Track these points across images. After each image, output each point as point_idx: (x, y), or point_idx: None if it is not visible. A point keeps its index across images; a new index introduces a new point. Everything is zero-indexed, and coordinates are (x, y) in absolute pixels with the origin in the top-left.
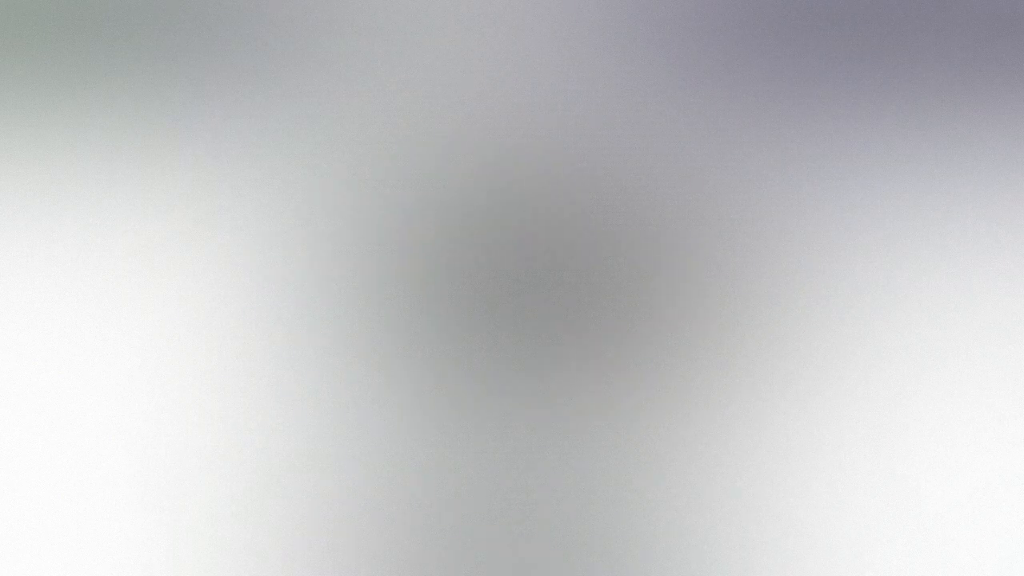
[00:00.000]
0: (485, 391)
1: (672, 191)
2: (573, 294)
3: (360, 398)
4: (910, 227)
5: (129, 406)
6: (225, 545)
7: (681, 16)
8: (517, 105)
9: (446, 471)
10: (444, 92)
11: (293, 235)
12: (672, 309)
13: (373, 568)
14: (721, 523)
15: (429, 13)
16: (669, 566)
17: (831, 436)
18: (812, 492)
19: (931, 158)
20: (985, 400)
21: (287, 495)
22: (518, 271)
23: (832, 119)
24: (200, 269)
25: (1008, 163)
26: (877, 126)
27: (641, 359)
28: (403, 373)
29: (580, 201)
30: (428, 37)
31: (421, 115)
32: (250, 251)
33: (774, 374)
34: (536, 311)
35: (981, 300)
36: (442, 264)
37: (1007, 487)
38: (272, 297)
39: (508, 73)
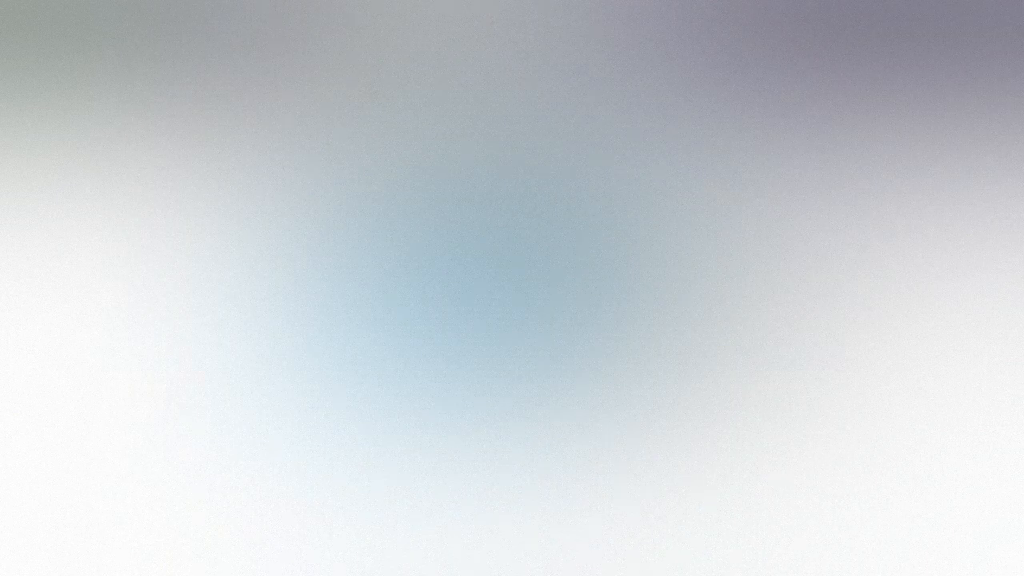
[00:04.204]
0: (485, 393)
1: (672, 191)
2: (573, 294)
3: (361, 399)
4: (910, 227)
5: (128, 405)
6: (224, 545)
7: (682, 16)
8: (516, 105)
9: (443, 476)
10: (443, 93)
11: (293, 234)
12: (672, 309)
13: (373, 567)
14: (721, 524)
15: (428, 13)
16: (669, 567)
17: (829, 436)
18: (812, 493)
19: (932, 158)
20: (985, 401)
21: (287, 496)
22: (518, 271)
23: (831, 120)
24: (199, 269)
25: (1008, 163)
26: (877, 126)
27: (640, 360)
28: (403, 373)
29: (580, 201)
30: (427, 37)
31: (420, 115)
32: (250, 250)
33: (773, 374)
34: (536, 311)
35: (981, 300)
36: (441, 265)
37: (1007, 487)
38: (272, 296)
39: (508, 73)
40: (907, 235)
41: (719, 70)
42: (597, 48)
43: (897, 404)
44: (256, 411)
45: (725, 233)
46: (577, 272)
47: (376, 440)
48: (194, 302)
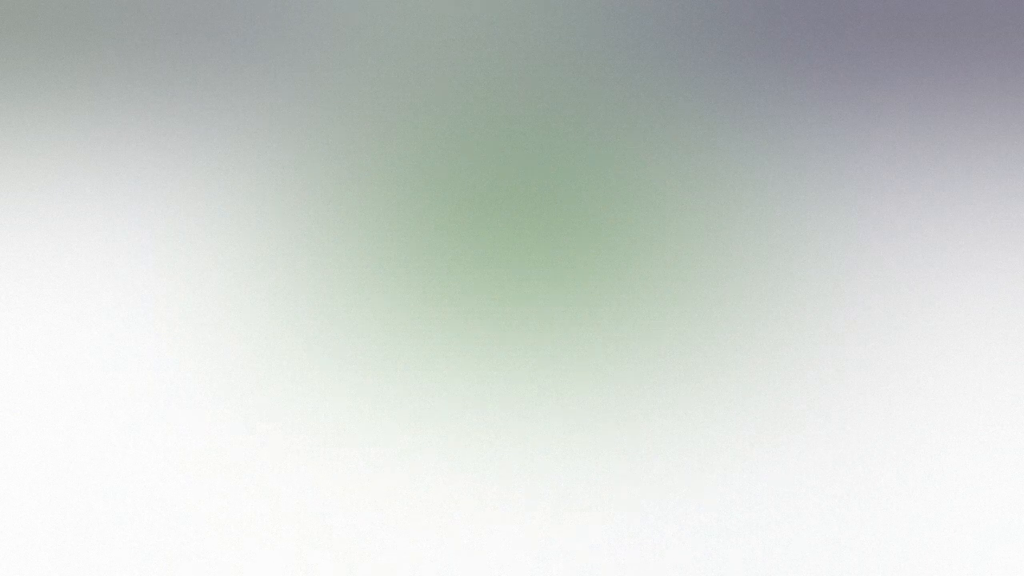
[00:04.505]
0: (484, 394)
1: (672, 191)
2: (572, 295)
3: (362, 399)
4: (910, 227)
5: (128, 405)
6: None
7: (682, 15)
8: (517, 104)
9: (446, 473)
10: (443, 91)
11: (293, 234)
12: (671, 309)
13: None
14: (721, 523)
15: (427, 14)
16: (669, 566)
17: (829, 436)
18: (812, 493)
19: (932, 158)
20: (985, 401)
21: (287, 496)
22: (521, 271)
23: (831, 120)
24: (199, 269)
25: (1008, 163)
26: (877, 126)
27: (639, 360)
28: (403, 375)
29: (579, 200)
30: (427, 37)
31: (420, 114)
32: (250, 250)
33: (773, 374)
34: (538, 312)
35: (981, 300)
36: (442, 265)
37: (1007, 487)
38: (272, 296)
39: (508, 73)
40: (907, 235)
41: (719, 70)
42: (596, 47)
43: (897, 404)
44: (256, 411)
45: (725, 233)
46: (576, 272)
47: (378, 441)
48: (194, 302)
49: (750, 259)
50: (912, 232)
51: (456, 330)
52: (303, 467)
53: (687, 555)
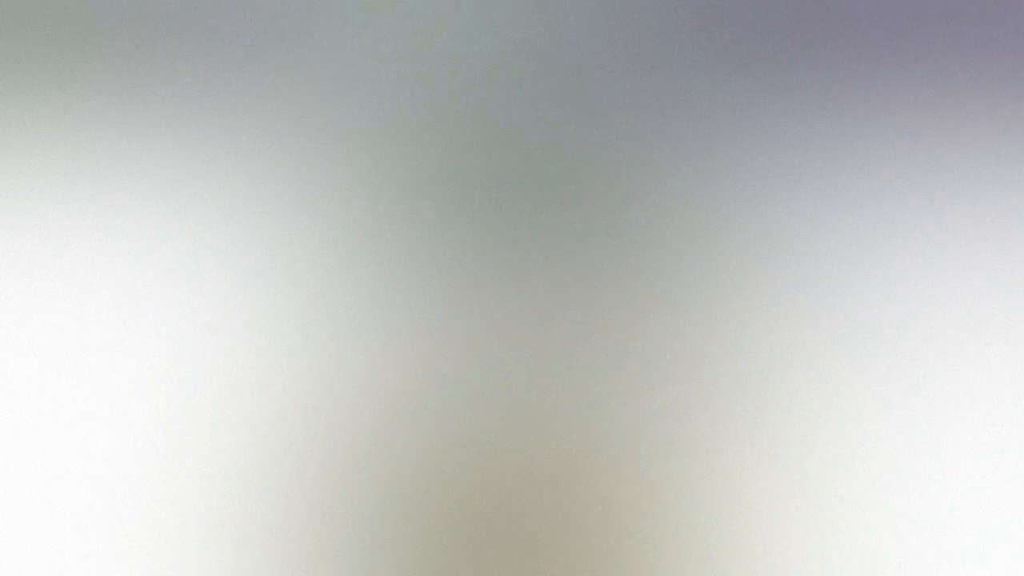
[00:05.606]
0: (484, 399)
1: (672, 191)
2: (573, 296)
3: (361, 399)
4: (910, 227)
5: (128, 405)
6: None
7: (682, 15)
8: (516, 104)
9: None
10: (442, 93)
11: (292, 234)
12: (671, 310)
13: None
14: (721, 525)
15: (428, 13)
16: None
17: (829, 436)
18: (812, 493)
19: (932, 158)
20: (985, 401)
21: (287, 496)
22: (519, 272)
23: (831, 120)
24: (199, 269)
25: (1008, 163)
26: (877, 126)
27: (641, 361)
28: (402, 375)
29: (579, 201)
30: (427, 36)
31: (419, 115)
32: (250, 250)
33: (773, 374)
34: (536, 313)
35: (981, 300)
36: (442, 266)
37: (1007, 487)
38: (272, 296)
39: (508, 72)
40: (907, 235)
41: (719, 70)
42: (596, 47)
43: (897, 404)
44: (256, 411)
45: (725, 233)
46: (577, 273)
47: (377, 440)
48: (194, 302)
49: (749, 258)
50: (912, 232)
51: (457, 334)
52: (305, 467)
53: (687, 556)
